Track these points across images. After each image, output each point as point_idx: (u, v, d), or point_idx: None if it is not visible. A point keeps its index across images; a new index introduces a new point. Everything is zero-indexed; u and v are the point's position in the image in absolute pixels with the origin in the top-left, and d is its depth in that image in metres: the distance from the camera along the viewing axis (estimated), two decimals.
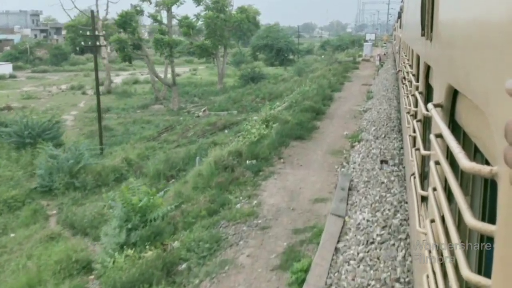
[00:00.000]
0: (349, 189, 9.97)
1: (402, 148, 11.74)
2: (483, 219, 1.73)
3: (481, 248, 1.84)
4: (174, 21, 38.80)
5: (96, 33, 27.13)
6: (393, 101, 21.28)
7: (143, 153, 20.53)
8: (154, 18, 32.47)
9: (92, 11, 27.19)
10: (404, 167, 9.97)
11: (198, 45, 42.24)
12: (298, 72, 51.82)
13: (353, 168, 11.88)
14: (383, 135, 15.26)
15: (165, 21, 33.20)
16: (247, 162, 13.11)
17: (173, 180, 16.32)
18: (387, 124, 16.77)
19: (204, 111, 30.16)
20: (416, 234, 3.56)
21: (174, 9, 44.07)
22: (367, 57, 58.34)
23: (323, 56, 59.80)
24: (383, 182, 9.97)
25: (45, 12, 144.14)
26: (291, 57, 76.55)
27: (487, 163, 1.49)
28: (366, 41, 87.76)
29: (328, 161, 13.34)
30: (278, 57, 72.19)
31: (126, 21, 32.60)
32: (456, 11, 2.06)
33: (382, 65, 43.80)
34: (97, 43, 26.01)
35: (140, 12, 34.47)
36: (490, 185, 1.73)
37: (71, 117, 32.33)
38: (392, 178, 10.09)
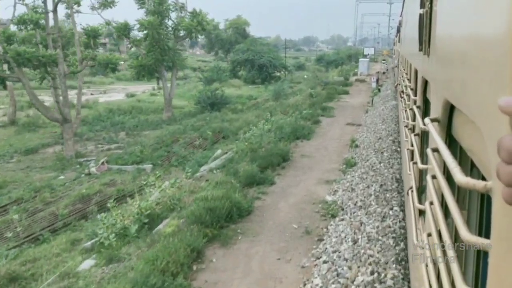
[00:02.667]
0: None
1: None
2: (479, 234, 1.78)
3: (477, 263, 1.87)
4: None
5: None
6: (393, 174, 10.82)
7: None
8: (21, 21, 22.11)
9: None
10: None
11: (136, 65, 32.04)
12: (275, 94, 41.46)
13: None
14: None
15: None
16: None
17: None
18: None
19: (102, 163, 19.65)
20: (413, 247, 3.61)
21: (109, 12, 33.69)
22: (362, 76, 47.87)
23: (305, 76, 49.42)
24: None
25: None
26: (277, 73, 66.25)
27: (483, 178, 1.48)
28: (365, 55, 77.79)
29: None
30: (260, 74, 61.88)
31: None
32: (452, 27, 2.10)
33: (379, 90, 33.31)
34: None
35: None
36: (486, 200, 1.77)
37: None
38: None
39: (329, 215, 9.40)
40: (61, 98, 22.14)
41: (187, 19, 32.23)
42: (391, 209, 8.19)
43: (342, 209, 9.26)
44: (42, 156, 23.19)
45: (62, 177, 19.03)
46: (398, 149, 13.44)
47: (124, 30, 32.37)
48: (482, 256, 1.78)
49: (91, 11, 33.79)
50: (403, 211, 8.18)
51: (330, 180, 12.16)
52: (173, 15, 33.37)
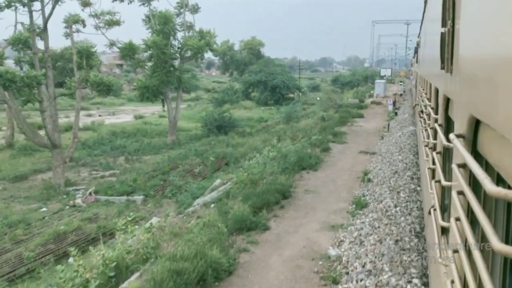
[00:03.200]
0: None
1: None
2: None
3: (505, 276, 1.88)
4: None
5: None
6: (412, 225, 8.78)
7: None
8: (16, 41, 20.81)
9: None
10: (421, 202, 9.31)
11: (139, 86, 30.69)
12: (287, 117, 39.66)
13: None
14: None
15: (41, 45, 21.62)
16: None
17: None
18: None
19: (90, 194, 17.96)
20: (436, 266, 3.58)
21: (115, 32, 32.99)
22: (378, 98, 45.71)
23: (318, 98, 47.52)
24: None
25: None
26: (291, 95, 64.62)
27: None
28: (381, 77, 75.69)
29: None
30: (273, 95, 60.29)
31: None
32: (477, 45, 2.09)
33: (396, 113, 31.20)
34: None
35: None
36: None
37: None
38: None
39: (331, 279, 7.37)
40: (49, 121, 20.64)
41: (196, 39, 30.86)
42: (409, 282, 6.14)
43: (347, 273, 7.23)
44: (31, 183, 21.67)
45: (44, 209, 17.39)
46: (418, 188, 11.36)
47: (129, 50, 31.24)
48: (509, 269, 1.82)
49: (95, 30, 32.97)
50: (425, 284, 6.11)
51: (336, 225, 10.14)
52: (180, 34, 32.24)
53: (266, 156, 19.49)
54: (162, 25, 29.61)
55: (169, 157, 25.36)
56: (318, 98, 48.06)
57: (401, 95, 46.13)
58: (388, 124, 25.56)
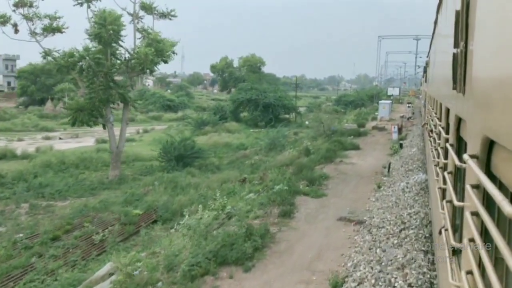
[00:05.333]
0: None
1: None
2: None
3: None
4: None
5: None
6: None
7: None
8: None
9: None
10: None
11: (72, 108, 23.97)
12: (270, 145, 32.71)
13: None
14: None
15: None
16: None
17: None
18: None
19: None
20: (447, 287, 3.42)
21: (55, 39, 27.00)
22: (382, 123, 38.61)
23: (307, 123, 40.43)
24: None
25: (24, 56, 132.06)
26: (286, 116, 57.70)
27: None
28: (389, 96, 68.51)
29: None
30: (265, 116, 53.40)
31: None
32: (491, 67, 2.12)
33: (401, 145, 24.03)
34: None
35: None
36: None
37: None
38: None
39: None
40: None
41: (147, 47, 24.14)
42: None
43: None
44: None
45: None
46: None
47: (66, 61, 24.74)
48: None
49: (29, 37, 26.66)
50: None
51: None
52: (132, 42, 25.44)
53: (199, 220, 12.57)
54: (98, 27, 23.01)
55: (85, 206, 18.47)
56: (307, 123, 40.97)
57: (408, 118, 38.93)
58: (389, 164, 18.43)
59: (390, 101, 50.52)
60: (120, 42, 25.01)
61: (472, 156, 2.33)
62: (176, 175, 23.99)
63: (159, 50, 24.59)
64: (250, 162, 27.83)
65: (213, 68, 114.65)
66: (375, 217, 11.57)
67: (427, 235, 8.84)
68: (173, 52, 25.97)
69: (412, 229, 9.48)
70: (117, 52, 25.15)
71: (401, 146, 23.94)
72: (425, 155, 17.01)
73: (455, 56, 3.61)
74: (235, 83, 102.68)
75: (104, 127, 25.83)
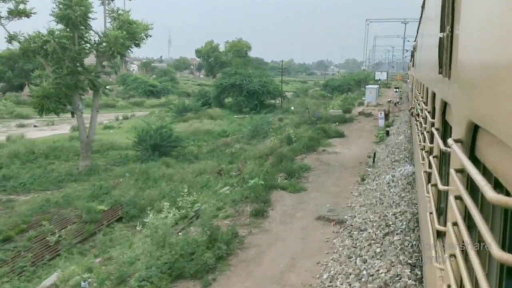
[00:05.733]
0: None
1: None
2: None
3: (502, 281, 1.85)
4: None
5: None
6: None
7: None
8: None
9: None
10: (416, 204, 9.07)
11: (38, 95, 22.20)
12: (253, 131, 31.40)
13: None
14: None
15: None
16: None
17: None
18: None
19: None
20: (432, 270, 3.56)
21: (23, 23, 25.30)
22: (368, 109, 37.32)
23: (292, 108, 39.07)
24: None
25: None
26: (272, 101, 56.16)
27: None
28: (376, 81, 67.35)
29: None
30: (249, 101, 51.84)
31: None
32: (477, 50, 2.09)
33: (388, 132, 22.91)
34: None
35: None
36: (510, 219, 1.76)
37: None
38: None
39: None
40: None
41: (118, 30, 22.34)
42: None
43: None
44: None
45: None
46: None
47: (29, 45, 22.89)
48: (505, 274, 1.79)
49: None
50: None
51: None
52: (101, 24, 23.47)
53: (165, 220, 11.28)
54: (64, 8, 21.12)
55: (47, 201, 17.03)
56: (292, 108, 39.56)
57: (396, 104, 37.80)
58: (374, 154, 17.26)
59: (377, 85, 49.39)
60: (89, 25, 23.16)
61: (456, 141, 2.35)
62: (150, 165, 22.57)
63: (130, 32, 22.86)
64: (230, 150, 26.49)
65: (198, 52, 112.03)
66: (357, 216, 10.39)
67: (414, 243, 7.66)
68: (147, 36, 24.26)
69: (397, 234, 8.30)
70: (86, 35, 23.31)
71: (387, 133, 22.80)
72: (412, 144, 15.91)
73: (441, 40, 3.59)
74: (221, 68, 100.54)
75: (73, 115, 24.15)
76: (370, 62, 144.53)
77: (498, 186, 1.76)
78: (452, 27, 3.08)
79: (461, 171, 2.16)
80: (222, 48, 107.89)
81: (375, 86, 45.30)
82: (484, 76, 1.86)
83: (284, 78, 67.23)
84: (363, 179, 14.53)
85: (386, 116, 28.90)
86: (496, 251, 1.21)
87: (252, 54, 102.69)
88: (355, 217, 10.41)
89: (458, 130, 2.55)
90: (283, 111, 49.13)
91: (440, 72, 3.63)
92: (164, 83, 73.89)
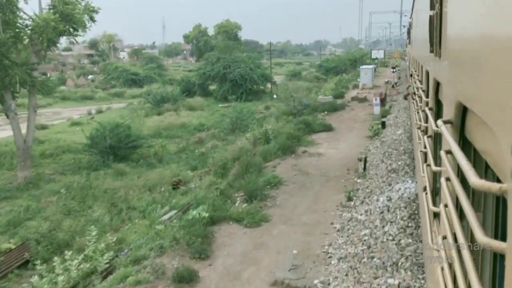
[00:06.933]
0: None
1: None
2: (495, 236, 1.73)
3: (494, 265, 1.79)
4: None
5: None
6: None
7: None
8: None
9: None
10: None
11: None
12: (234, 120, 27.47)
13: None
14: None
15: None
16: None
17: None
18: None
19: None
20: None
21: None
22: (363, 93, 33.15)
23: (275, 96, 34.94)
24: None
25: None
26: (261, 87, 51.61)
27: (498, 180, 1.44)
28: (373, 60, 62.83)
29: None
30: (235, 89, 47.55)
31: None
32: (464, 28, 2.05)
33: (384, 124, 18.91)
34: None
35: None
36: (502, 202, 1.69)
37: None
38: None
39: None
40: None
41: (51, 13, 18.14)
42: None
43: None
44: None
45: None
46: None
47: None
48: (498, 259, 1.73)
49: None
50: None
51: None
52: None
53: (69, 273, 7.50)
54: None
55: None
56: (275, 96, 35.40)
57: (394, 85, 33.68)
58: (365, 160, 13.30)
59: (373, 65, 45.17)
60: (18, 8, 18.87)
61: (446, 122, 2.31)
62: (97, 175, 18.70)
63: (66, 14, 18.63)
64: (201, 150, 22.56)
65: (186, 38, 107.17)
66: (332, 284, 6.53)
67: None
68: (91, 19, 20.04)
69: None
70: (15, 20, 19.06)
71: (383, 125, 18.81)
72: (412, 144, 12.07)
73: (431, 18, 3.53)
74: (210, 52, 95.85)
75: (7, 116, 20.15)
76: (367, 40, 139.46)
77: (489, 168, 1.70)
78: (441, 4, 3.03)
79: (451, 152, 1.92)
80: (212, 31, 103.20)
81: (371, 67, 41.05)
82: (471, 56, 1.81)
83: (279, 60, 62.82)
84: (349, 199, 10.67)
85: (382, 101, 24.87)
86: (479, 236, 1.18)
87: (248, 36, 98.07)
88: (329, 285, 6.56)
89: (449, 111, 2.51)
90: (271, 98, 45.01)
91: (431, 51, 3.54)
92: (148, 70, 69.37)
